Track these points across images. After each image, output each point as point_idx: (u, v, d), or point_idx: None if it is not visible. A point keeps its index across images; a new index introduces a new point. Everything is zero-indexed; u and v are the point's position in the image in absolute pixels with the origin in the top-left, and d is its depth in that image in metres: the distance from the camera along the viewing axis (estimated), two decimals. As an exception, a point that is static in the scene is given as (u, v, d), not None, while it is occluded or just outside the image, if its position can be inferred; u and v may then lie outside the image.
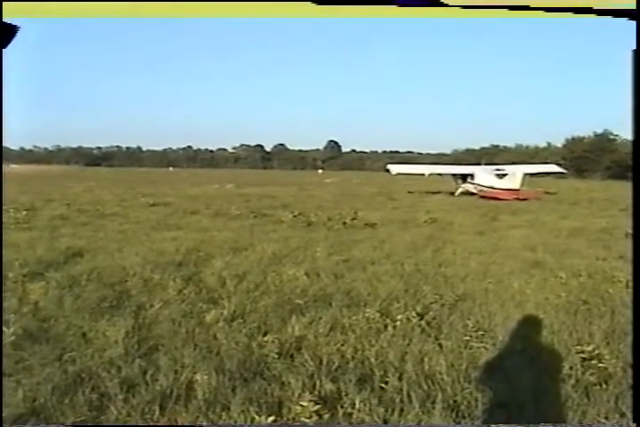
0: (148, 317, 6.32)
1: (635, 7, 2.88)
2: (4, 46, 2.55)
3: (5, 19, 2.53)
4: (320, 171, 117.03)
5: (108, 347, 5.32)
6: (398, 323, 5.97)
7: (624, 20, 2.88)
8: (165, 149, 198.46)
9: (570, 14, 2.84)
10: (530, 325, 6.01)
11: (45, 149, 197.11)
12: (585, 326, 6.05)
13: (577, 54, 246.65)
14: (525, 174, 33.54)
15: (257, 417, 4.00)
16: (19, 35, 2.52)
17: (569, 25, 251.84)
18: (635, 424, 3.20)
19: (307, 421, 3.98)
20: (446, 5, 2.75)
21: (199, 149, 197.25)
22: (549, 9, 2.83)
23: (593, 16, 2.84)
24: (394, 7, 2.78)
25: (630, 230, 3.52)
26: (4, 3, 2.57)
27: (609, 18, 2.83)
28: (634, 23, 2.93)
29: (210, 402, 4.25)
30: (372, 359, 5.10)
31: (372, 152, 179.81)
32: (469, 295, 7.43)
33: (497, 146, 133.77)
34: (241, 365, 4.95)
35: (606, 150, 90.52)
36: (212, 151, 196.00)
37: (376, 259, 10.09)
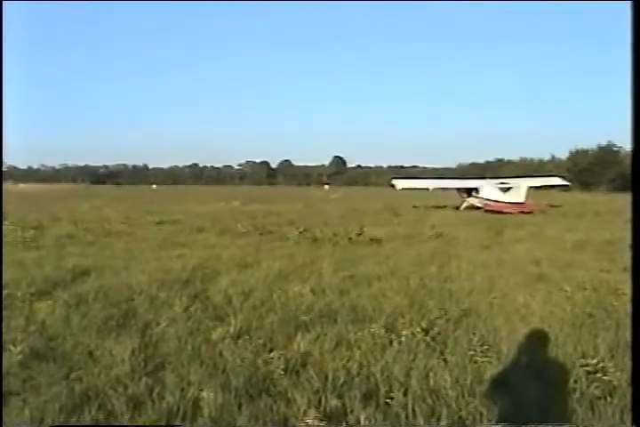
0: (155, 335, 6.35)
1: None
2: None
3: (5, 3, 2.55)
4: (326, 186, 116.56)
5: (115, 365, 5.35)
6: (403, 338, 5.99)
7: (628, 24, 2.89)
8: (171, 167, 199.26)
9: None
10: (535, 338, 6.00)
11: (52, 167, 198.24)
12: (590, 339, 6.06)
13: (580, 65, 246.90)
14: (530, 187, 33.59)
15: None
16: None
17: (570, 34, 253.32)
18: (635, 425, 3.22)
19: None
20: None
21: (205, 167, 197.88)
22: None
23: (590, 0, 2.83)
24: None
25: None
26: (4, 2, 2.61)
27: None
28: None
29: (216, 419, 4.28)
30: (378, 375, 5.11)
31: (377, 167, 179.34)
32: (474, 310, 7.44)
33: (501, 159, 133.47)
34: (247, 382, 4.97)
35: (610, 162, 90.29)
36: (217, 168, 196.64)
37: (381, 274, 10.10)
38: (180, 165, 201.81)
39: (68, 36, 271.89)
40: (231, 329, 6.45)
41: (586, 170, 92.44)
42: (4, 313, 6.94)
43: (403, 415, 4.33)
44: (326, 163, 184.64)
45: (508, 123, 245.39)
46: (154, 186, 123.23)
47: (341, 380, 5.01)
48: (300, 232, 16.63)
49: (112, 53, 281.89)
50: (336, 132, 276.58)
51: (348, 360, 5.48)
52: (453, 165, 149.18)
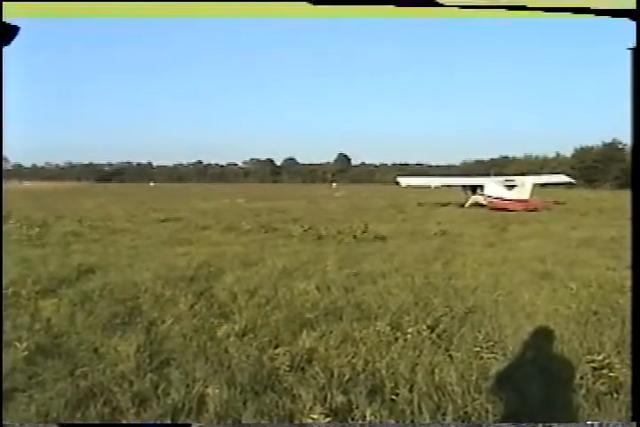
0: (160, 332, 6.36)
1: (634, 7, 2.85)
2: (6, 44, 2.57)
3: (6, 19, 2.56)
4: (334, 184, 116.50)
5: (120, 362, 5.36)
6: (409, 336, 5.98)
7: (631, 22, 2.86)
8: (176, 165, 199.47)
9: (569, 14, 2.84)
10: (540, 335, 6.00)
11: (57, 165, 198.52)
12: (595, 335, 6.04)
13: (585, 62, 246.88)
14: (535, 185, 33.55)
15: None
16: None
17: (575, 31, 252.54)
18: (635, 423, 3.20)
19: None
20: (443, 5, 2.75)
21: (209, 164, 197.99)
22: (548, 9, 2.82)
23: (592, 16, 2.82)
24: (390, 7, 2.78)
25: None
26: (4, 3, 2.60)
27: (617, 20, 2.81)
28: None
29: (221, 415, 4.28)
30: (383, 371, 5.10)
31: (382, 165, 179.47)
32: (480, 307, 7.43)
33: (506, 157, 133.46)
34: (252, 378, 4.97)
35: (615, 160, 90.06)
36: (222, 166, 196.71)
37: (386, 272, 10.08)
38: (185, 162, 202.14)
39: (72, 35, 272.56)
40: (236, 327, 6.45)
41: (590, 167, 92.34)
42: (9, 311, 6.97)
43: (408, 411, 4.33)
44: (331, 160, 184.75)
45: (513, 120, 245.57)
46: (151, 183, 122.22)
47: (347, 376, 5.01)
48: (305, 230, 16.63)
49: (116, 52, 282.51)
50: (341, 130, 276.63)
51: (353, 357, 5.47)
52: (458, 163, 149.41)
